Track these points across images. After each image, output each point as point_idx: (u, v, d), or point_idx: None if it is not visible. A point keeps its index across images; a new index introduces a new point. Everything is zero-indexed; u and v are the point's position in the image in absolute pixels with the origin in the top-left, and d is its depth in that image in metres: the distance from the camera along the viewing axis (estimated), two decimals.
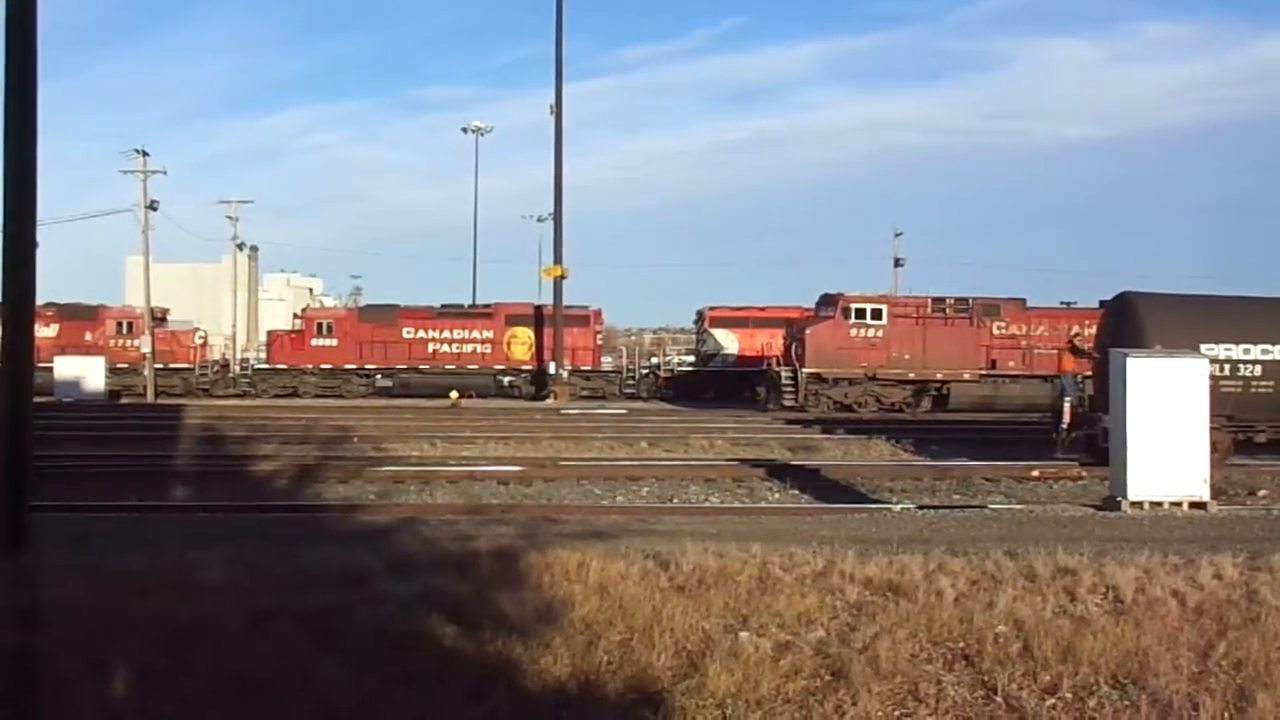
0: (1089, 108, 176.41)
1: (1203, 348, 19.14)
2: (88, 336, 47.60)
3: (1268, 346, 22.26)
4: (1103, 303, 28.74)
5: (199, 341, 50.16)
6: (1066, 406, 22.61)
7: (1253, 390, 21.59)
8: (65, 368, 43.03)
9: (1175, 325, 21.03)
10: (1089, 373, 24.64)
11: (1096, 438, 21.50)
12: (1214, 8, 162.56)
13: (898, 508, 16.09)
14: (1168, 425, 14.94)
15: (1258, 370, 21.80)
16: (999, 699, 6.55)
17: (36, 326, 11.95)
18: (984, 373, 39.57)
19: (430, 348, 46.99)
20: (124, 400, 44.36)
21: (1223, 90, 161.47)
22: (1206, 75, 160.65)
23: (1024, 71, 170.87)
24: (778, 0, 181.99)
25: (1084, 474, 20.14)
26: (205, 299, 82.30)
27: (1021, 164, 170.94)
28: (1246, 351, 20.58)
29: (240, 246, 65.87)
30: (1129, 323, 22.18)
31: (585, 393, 46.24)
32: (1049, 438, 22.75)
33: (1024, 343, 40.14)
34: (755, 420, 34.03)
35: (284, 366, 47.38)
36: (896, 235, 65.13)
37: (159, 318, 49.28)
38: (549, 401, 43.35)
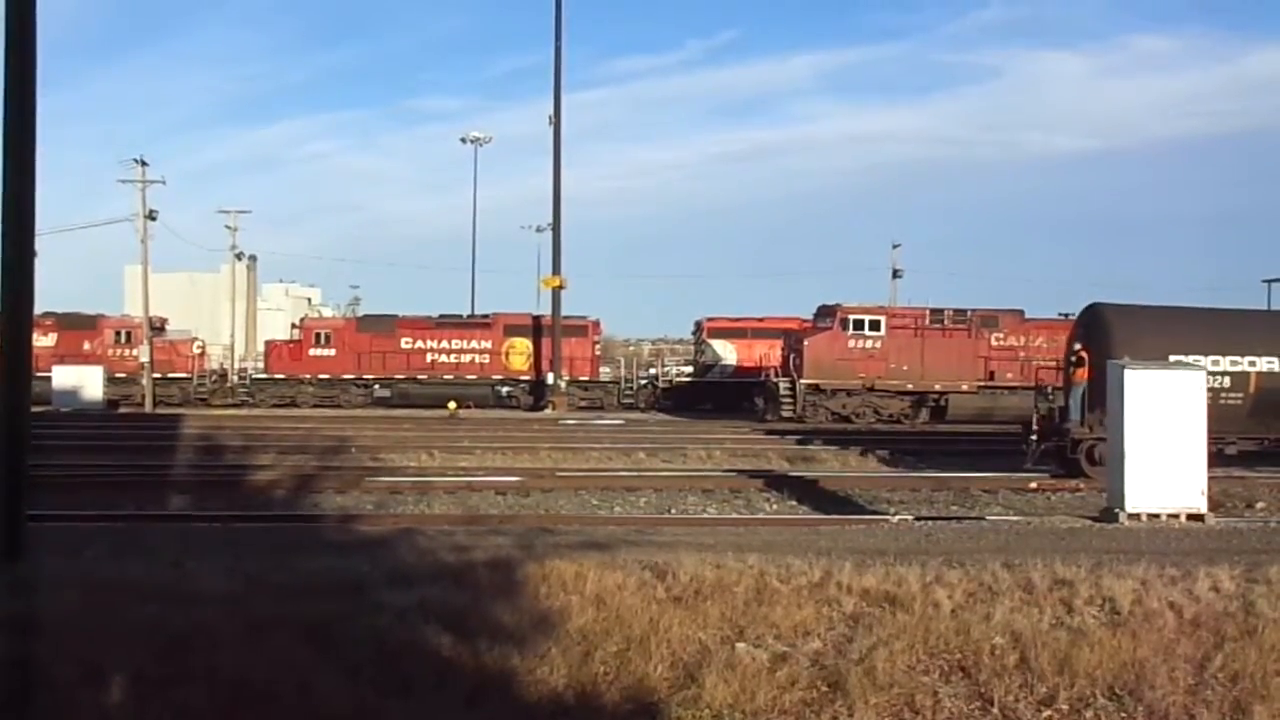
0: (1082, 120, 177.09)
1: (1171, 359, 19.15)
2: (86, 346, 47.66)
3: (1236, 358, 22.27)
4: None
5: (197, 351, 50.22)
6: (1035, 417, 22.62)
7: (1222, 402, 21.52)
8: (63, 377, 43.01)
9: (1145, 337, 21.05)
10: (1059, 384, 24.65)
11: (1066, 449, 21.51)
12: (1204, 21, 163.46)
13: (895, 519, 16.07)
14: (1165, 437, 14.94)
15: (1227, 382, 21.76)
16: (995, 710, 6.56)
17: (35, 335, 11.96)
18: (982, 384, 39.63)
19: (428, 358, 47.03)
20: (122, 410, 44.33)
21: (1213, 103, 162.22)
22: (1197, 88, 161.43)
23: (1016, 84, 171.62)
24: (771, 13, 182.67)
25: (1082, 486, 20.13)
26: (204, 308, 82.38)
27: (1017, 176, 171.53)
28: (1215, 363, 20.54)
29: (239, 256, 65.88)
30: (1099, 334, 22.23)
31: (583, 403, 46.25)
32: (1019, 449, 22.70)
33: (1022, 354, 40.18)
34: (753, 431, 34.02)
35: (282, 376, 47.43)
36: (894, 247, 65.19)
37: (157, 327, 49.33)
38: (547, 412, 43.35)
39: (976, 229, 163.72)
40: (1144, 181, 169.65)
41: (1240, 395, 22.12)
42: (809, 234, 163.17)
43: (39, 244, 10.50)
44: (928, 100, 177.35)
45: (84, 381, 43.37)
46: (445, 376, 46.65)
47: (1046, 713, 6.52)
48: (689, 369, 51.83)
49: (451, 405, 42.81)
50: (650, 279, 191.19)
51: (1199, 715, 6.39)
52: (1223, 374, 21.64)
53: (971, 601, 8.49)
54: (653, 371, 52.99)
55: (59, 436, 27.41)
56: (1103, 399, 20.57)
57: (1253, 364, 22.43)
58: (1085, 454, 21.04)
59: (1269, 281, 52.97)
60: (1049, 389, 25.85)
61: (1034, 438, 22.07)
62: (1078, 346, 22.65)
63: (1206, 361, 19.80)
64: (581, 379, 47.32)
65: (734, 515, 17.88)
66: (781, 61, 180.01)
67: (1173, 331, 22.04)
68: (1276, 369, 22.47)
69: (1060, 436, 21.76)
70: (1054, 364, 26.95)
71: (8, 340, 10.20)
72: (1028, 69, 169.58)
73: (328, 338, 47.45)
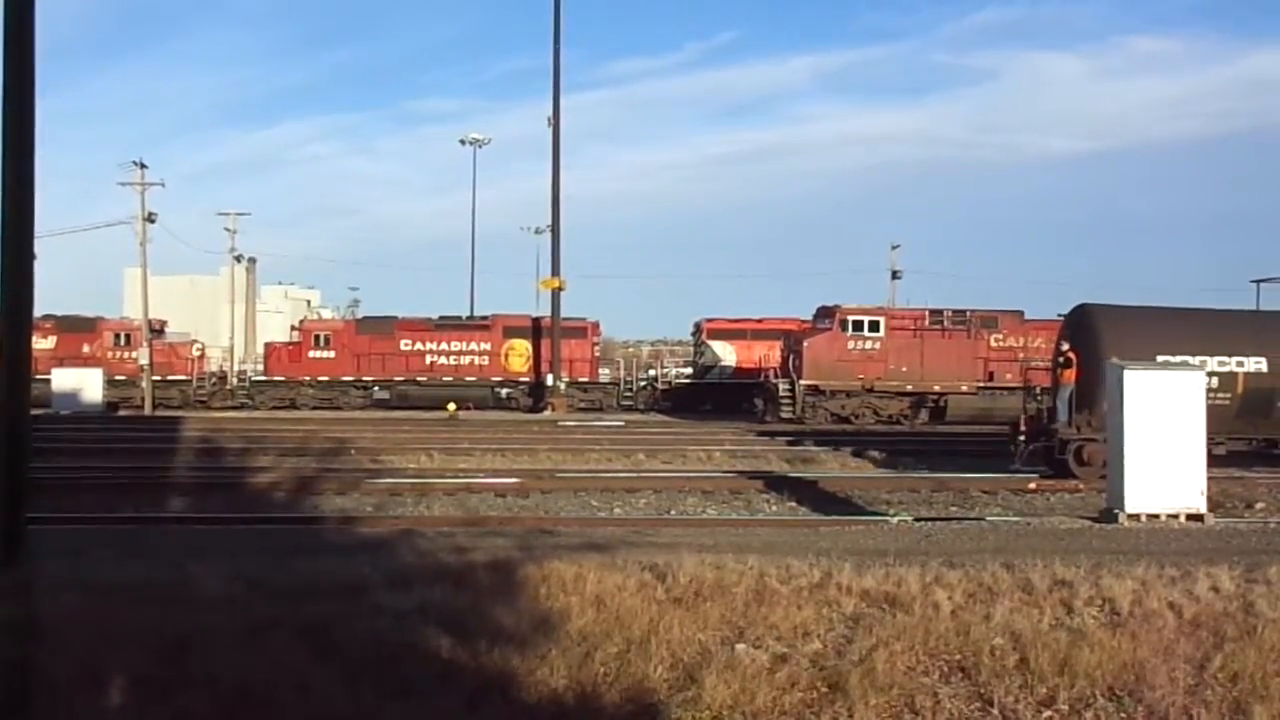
0: (1080, 121, 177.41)
1: (1159, 359, 19.16)
2: (85, 348, 47.60)
3: (1224, 358, 22.29)
4: None
5: (196, 353, 50.17)
6: (1023, 418, 22.63)
7: (1210, 402, 21.55)
8: (63, 380, 42.97)
9: (1133, 337, 21.07)
10: (1047, 384, 24.64)
11: (1054, 449, 21.52)
12: (1202, 23, 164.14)
13: (894, 519, 16.08)
14: (1164, 437, 14.95)
15: (1215, 382, 21.73)
16: (995, 711, 6.57)
17: (34, 338, 11.96)
18: (981, 385, 39.63)
19: (428, 360, 47.01)
20: (122, 412, 44.31)
21: (1211, 104, 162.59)
22: (1195, 89, 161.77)
23: (1014, 85, 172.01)
24: (769, 14, 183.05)
25: (1081, 486, 20.15)
26: (203, 311, 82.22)
27: (1016, 177, 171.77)
28: (1203, 363, 20.56)
29: (238, 258, 65.76)
30: (1087, 335, 22.25)
31: (583, 405, 46.23)
32: (1007, 449, 22.70)
33: (1021, 355, 40.13)
34: (752, 432, 34.01)
35: (281, 378, 47.40)
36: (893, 247, 65.04)
37: (157, 330, 49.29)
38: (546, 414, 43.32)
39: (975, 230, 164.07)
40: (1141, 182, 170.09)
41: (1228, 395, 22.16)
42: (808, 235, 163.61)
43: (38, 246, 10.50)
44: (926, 101, 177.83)
45: (83, 384, 43.32)
46: (444, 378, 46.63)
47: (1047, 713, 6.53)
48: (688, 370, 51.78)
49: (451, 407, 42.82)
50: (649, 280, 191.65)
51: (1199, 716, 6.40)
52: (1211, 374, 21.67)
53: (971, 602, 8.49)
54: (652, 373, 52.94)
55: (59, 439, 27.40)
56: (1091, 400, 20.62)
57: (1240, 364, 22.47)
58: (1073, 454, 21.09)
59: (1258, 282, 52.82)
60: (1038, 389, 25.87)
61: (1022, 438, 22.11)
62: (1065, 347, 22.70)
63: (1194, 362, 19.84)
64: (581, 380, 47.30)
65: (734, 516, 17.89)
66: (780, 63, 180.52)
67: (1161, 332, 22.08)
68: (1264, 369, 22.51)
69: (1048, 437, 21.78)
70: (1043, 365, 27.05)
71: (8, 343, 10.19)
72: (1025, 70, 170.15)
73: (327, 340, 47.43)
